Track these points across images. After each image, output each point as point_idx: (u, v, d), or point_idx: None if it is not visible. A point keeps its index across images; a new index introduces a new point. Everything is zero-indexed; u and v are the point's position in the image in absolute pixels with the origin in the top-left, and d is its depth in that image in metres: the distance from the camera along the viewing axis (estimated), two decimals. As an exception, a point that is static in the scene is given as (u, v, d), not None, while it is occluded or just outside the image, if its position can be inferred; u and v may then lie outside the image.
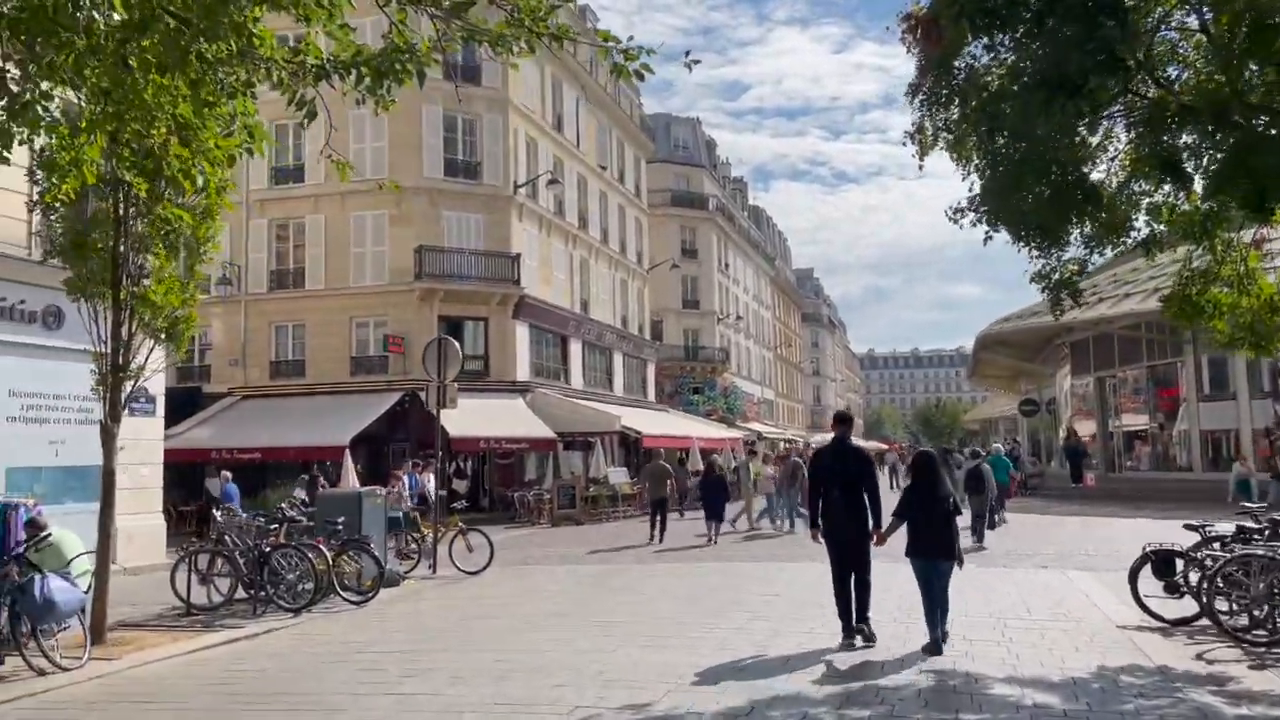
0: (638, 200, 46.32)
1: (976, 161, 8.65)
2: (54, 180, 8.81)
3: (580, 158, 38.25)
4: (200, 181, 9.36)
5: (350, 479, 25.40)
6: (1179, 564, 9.44)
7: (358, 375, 30.30)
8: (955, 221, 9.34)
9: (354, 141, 30.83)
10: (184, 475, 28.84)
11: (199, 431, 28.78)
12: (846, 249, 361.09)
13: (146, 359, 10.26)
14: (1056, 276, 9.11)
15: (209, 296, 31.49)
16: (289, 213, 31.53)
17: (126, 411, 10.53)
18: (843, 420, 9.52)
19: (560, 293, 35.58)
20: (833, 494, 8.71)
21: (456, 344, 15.41)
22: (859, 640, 8.48)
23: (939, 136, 8.86)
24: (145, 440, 17.06)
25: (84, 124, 7.23)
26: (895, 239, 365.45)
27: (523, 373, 31.90)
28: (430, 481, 22.41)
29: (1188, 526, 10.11)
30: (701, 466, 34.14)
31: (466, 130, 31.80)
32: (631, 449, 37.71)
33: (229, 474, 22.22)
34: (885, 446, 74.75)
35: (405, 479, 20.42)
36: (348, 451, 25.35)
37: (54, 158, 8.66)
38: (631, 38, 6.11)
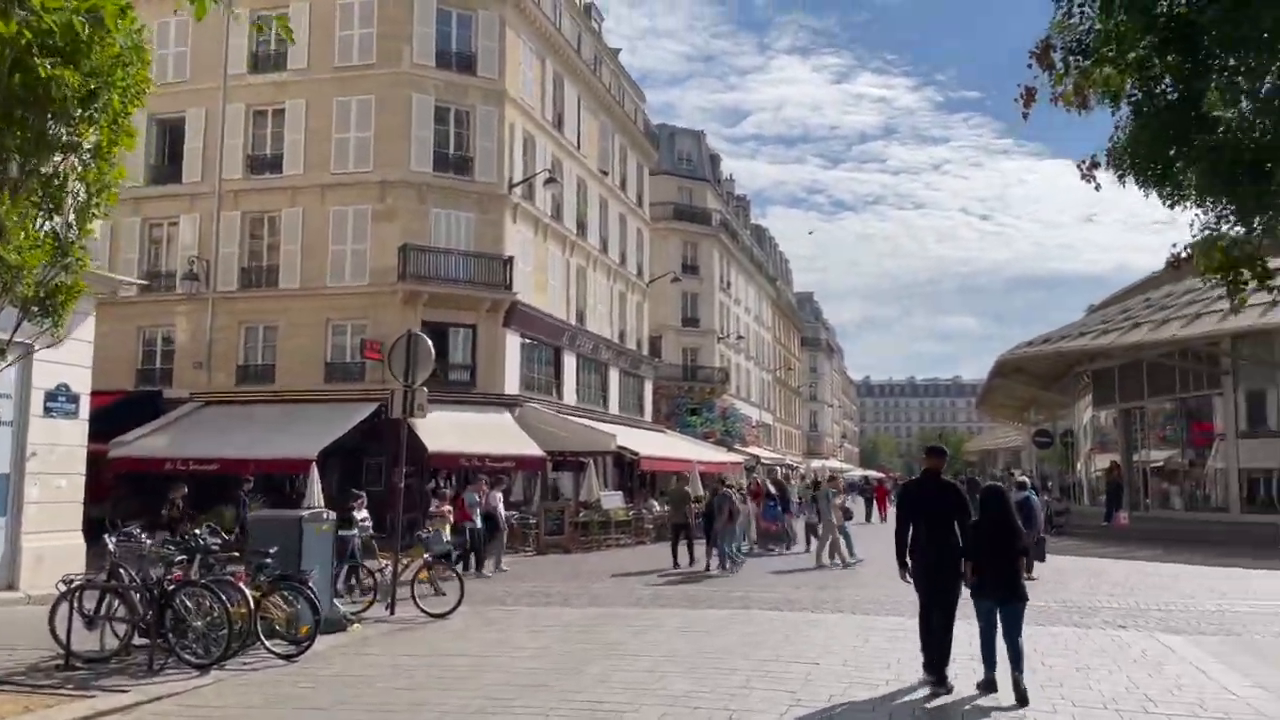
0: (640, 210, 44.13)
1: (1133, 91, 6.38)
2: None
3: (581, 160, 36.05)
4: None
5: (315, 495, 23.07)
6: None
7: (332, 383, 27.90)
8: (1087, 178, 7.07)
9: (337, 131, 28.80)
10: (140, 486, 26.53)
11: (155, 439, 26.34)
12: (843, 277, 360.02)
13: (10, 337, 7.87)
14: (1235, 251, 6.75)
15: (172, 294, 29.39)
16: (264, 205, 29.20)
17: (42, 412, 8.29)
18: (937, 453, 8.88)
19: (555, 301, 33.28)
20: (921, 531, 8.32)
21: (428, 342, 13.06)
22: (944, 684, 8.04)
23: (1075, 62, 6.55)
24: (63, 446, 14.64)
25: None
26: (892, 269, 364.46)
27: (512, 385, 29.54)
28: (500, 501, 20.69)
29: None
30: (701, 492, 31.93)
31: (459, 122, 29.58)
32: (627, 471, 35.34)
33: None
34: (879, 474, 72.46)
35: (472, 495, 19.37)
36: (315, 466, 23.05)
37: None
38: None
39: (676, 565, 19.77)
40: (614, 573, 18.68)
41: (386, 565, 12.65)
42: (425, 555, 12.73)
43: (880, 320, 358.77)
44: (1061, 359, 36.46)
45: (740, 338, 64.18)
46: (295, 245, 28.71)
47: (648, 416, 43.66)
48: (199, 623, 9.30)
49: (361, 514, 16.41)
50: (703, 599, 14.49)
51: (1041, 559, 17.39)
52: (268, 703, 8.03)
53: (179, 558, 9.90)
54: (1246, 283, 7.09)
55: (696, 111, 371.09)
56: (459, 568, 17.94)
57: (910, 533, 8.38)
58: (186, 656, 9.22)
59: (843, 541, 19.86)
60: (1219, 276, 7.13)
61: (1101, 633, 11.23)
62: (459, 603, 12.35)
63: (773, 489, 25.18)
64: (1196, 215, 6.92)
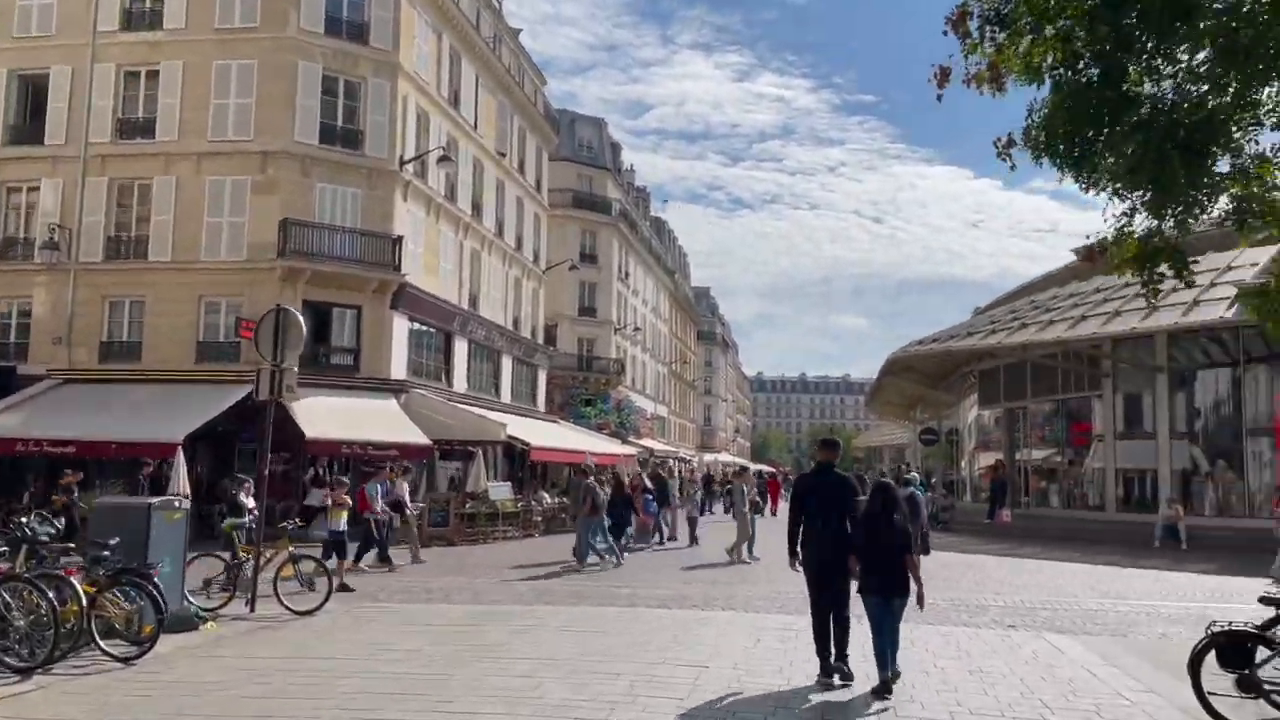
0: (538, 195, 43.21)
1: (1055, 66, 5.99)
2: None
3: (477, 140, 34.98)
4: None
5: (180, 483, 21.66)
6: (1258, 652, 6.93)
7: (204, 363, 26.33)
8: (1003, 157, 6.70)
9: (216, 96, 27.22)
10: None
11: (7, 418, 24.44)
12: (739, 273, 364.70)
13: None
14: (1151, 243, 6.47)
15: (31, 263, 27.29)
16: (134, 172, 27.33)
17: None
18: (830, 446, 8.71)
19: (447, 285, 32.19)
20: (815, 524, 8.27)
21: (300, 318, 12.09)
22: (837, 678, 8.00)
23: (990, 33, 6.15)
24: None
25: None
26: (787, 268, 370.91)
27: (399, 370, 28.41)
28: (406, 490, 20.10)
29: (1264, 600, 7.61)
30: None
31: (348, 94, 28.24)
32: (518, 462, 34.52)
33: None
34: (770, 469, 73.16)
35: (379, 486, 18.19)
36: (180, 450, 21.61)
37: None
38: None
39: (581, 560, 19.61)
40: (499, 567, 17.93)
41: (247, 559, 11.64)
42: (289, 548, 11.77)
43: (774, 318, 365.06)
44: (950, 358, 37.16)
45: (637, 329, 63.83)
46: (167, 216, 26.97)
47: (541, 406, 42.86)
48: (22, 621, 8.28)
49: (250, 501, 15.26)
50: (589, 595, 13.89)
51: (926, 553, 17.40)
52: (92, 712, 7.10)
53: (1, 549, 8.81)
54: (1164, 276, 6.85)
55: (599, 102, 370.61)
56: (364, 561, 17.25)
57: (802, 524, 8.34)
58: (8, 660, 8.19)
59: (744, 546, 19.56)
60: (1134, 270, 6.86)
61: (992, 632, 11.07)
62: (327, 599, 11.47)
63: (649, 482, 24.49)
64: (1111, 204, 6.63)
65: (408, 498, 20.22)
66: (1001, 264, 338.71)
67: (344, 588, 13.90)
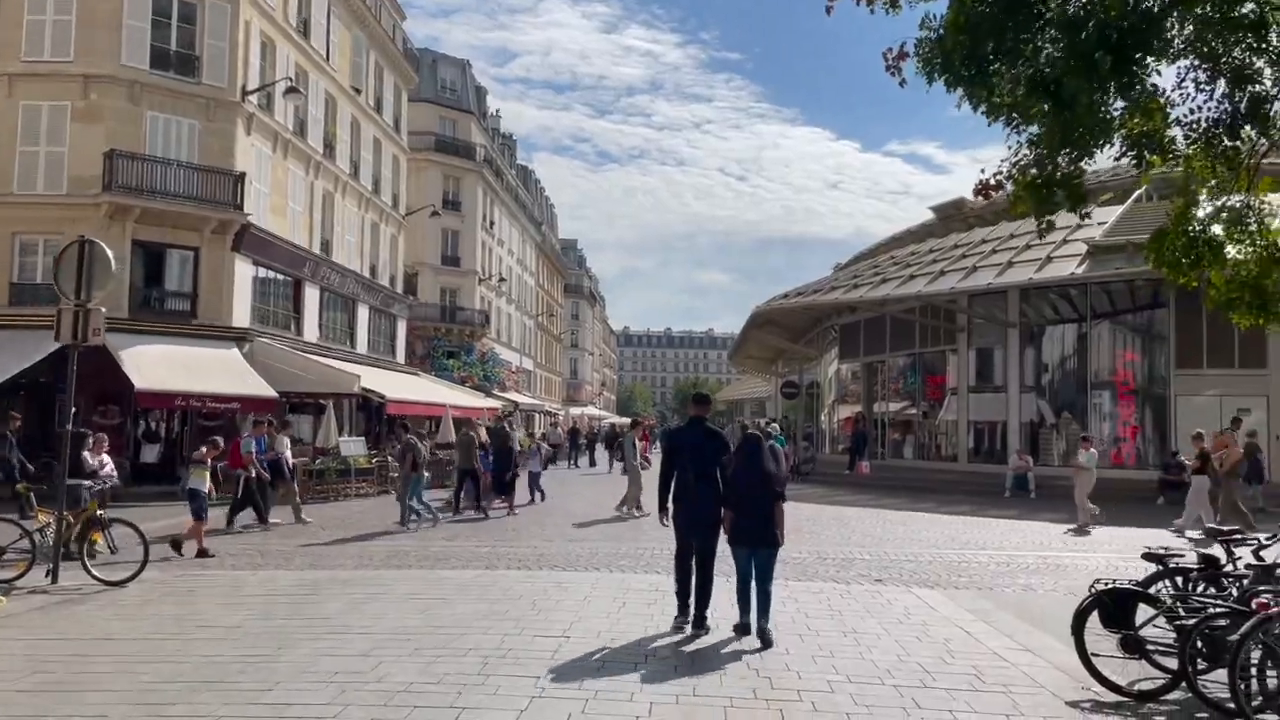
0: (396, 136, 41.10)
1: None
2: None
3: (330, 73, 32.81)
4: None
5: (-13, 438, 19.58)
6: (1140, 610, 6.68)
7: (19, 306, 23.84)
8: (892, 71, 6.08)
9: (30, 11, 24.54)
10: None
11: None
12: (606, 227, 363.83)
13: None
14: (1048, 170, 5.99)
15: None
16: (-67, 92, 24.35)
17: None
18: (702, 401, 8.94)
19: (297, 228, 30.22)
20: (686, 478, 8.24)
21: (106, 250, 10.60)
22: (690, 628, 8.11)
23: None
24: None
25: None
26: (653, 223, 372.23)
27: (241, 317, 26.50)
28: (287, 446, 18.55)
29: (1146, 557, 7.38)
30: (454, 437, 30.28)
31: (184, 16, 25.82)
32: (375, 416, 33.02)
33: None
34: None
35: (252, 441, 16.94)
36: (-13, 402, 19.51)
37: None
38: None
39: (459, 510, 19.13)
40: (346, 526, 16.80)
41: (46, 523, 10.24)
42: (99, 510, 10.40)
43: (641, 272, 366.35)
44: (813, 311, 37.50)
45: (503, 280, 62.30)
46: (-28, 143, 24.16)
47: (400, 358, 41.19)
48: None
49: (100, 458, 13.57)
50: (444, 557, 13.01)
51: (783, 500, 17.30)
52: None
53: None
54: (1059, 205, 6.41)
55: (464, 48, 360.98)
56: (238, 522, 16.14)
57: (674, 478, 8.32)
58: None
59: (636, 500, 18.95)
60: (1029, 204, 6.40)
61: (861, 587, 10.78)
62: (141, 567, 10.21)
63: (484, 437, 21.95)
64: (1012, 136, 6.10)
65: (289, 454, 18.64)
66: (858, 223, 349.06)
67: (202, 553, 12.81)
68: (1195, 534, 16.22)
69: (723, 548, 8.20)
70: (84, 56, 24.24)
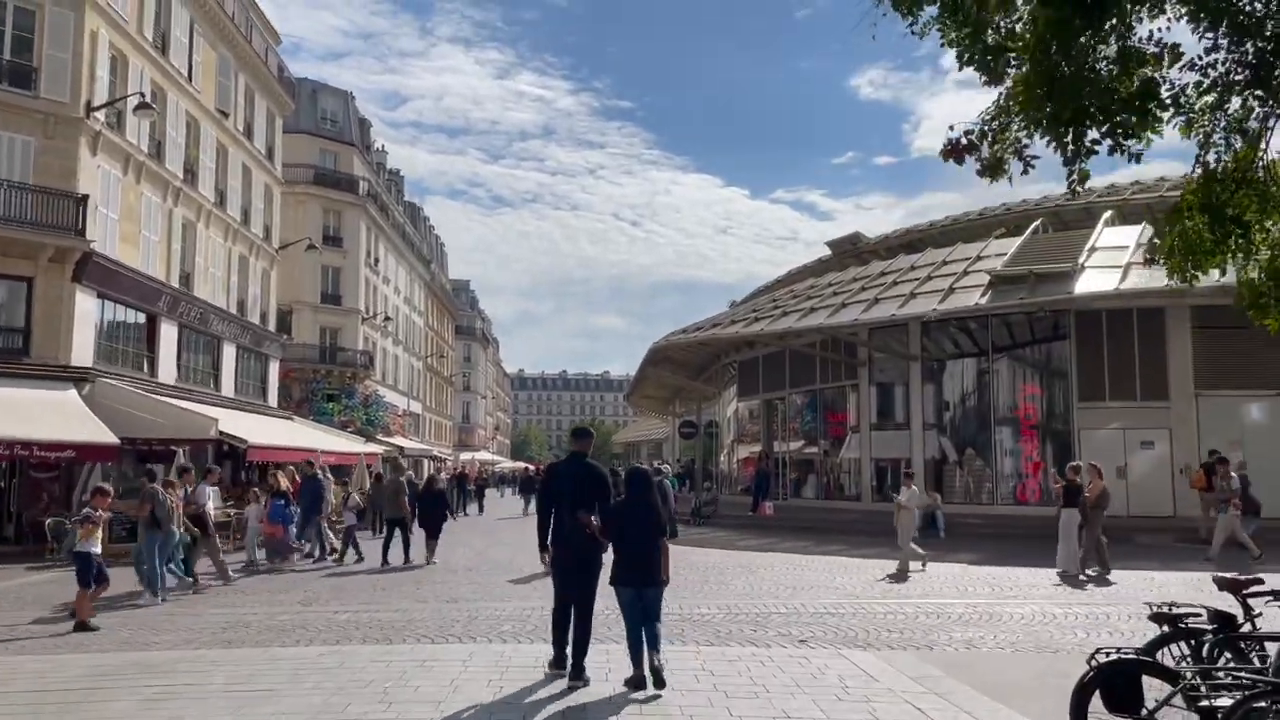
0: (269, 164, 38.59)
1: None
2: None
3: (192, 94, 30.35)
4: None
5: None
6: (1152, 684, 5.25)
7: None
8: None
9: None
10: None
11: None
12: (501, 270, 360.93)
13: None
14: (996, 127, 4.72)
15: None
16: None
17: None
18: (583, 435, 8.53)
19: (152, 259, 27.56)
20: (564, 514, 7.87)
21: None
22: (567, 680, 7.51)
23: None
24: None
25: None
26: (547, 266, 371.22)
27: (83, 356, 23.73)
28: (210, 497, 16.27)
29: (1154, 618, 5.99)
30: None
31: (19, 23, 23.29)
32: (240, 463, 30.23)
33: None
34: (530, 466, 70.94)
35: (206, 489, 15.92)
36: None
37: None
38: None
39: (386, 563, 17.64)
40: (184, 591, 14.48)
41: None
42: None
43: (536, 316, 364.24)
44: (711, 347, 36.27)
45: (388, 319, 59.63)
46: None
47: (273, 401, 38.36)
48: None
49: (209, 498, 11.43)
50: (292, 628, 10.95)
51: (674, 536, 16.02)
52: None
53: None
54: (1033, 160, 5.07)
55: (354, 90, 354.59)
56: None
57: (552, 515, 7.97)
58: None
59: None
60: (1006, 158, 5.08)
61: (784, 651, 9.22)
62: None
63: (284, 484, 19.13)
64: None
65: (211, 505, 16.15)
66: (748, 268, 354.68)
67: (82, 626, 10.85)
68: (1090, 571, 15.32)
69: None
70: (-104, 62, 21.49)
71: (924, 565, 16.57)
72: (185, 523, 14.43)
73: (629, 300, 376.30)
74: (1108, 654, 5.32)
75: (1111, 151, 5.10)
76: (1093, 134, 4.99)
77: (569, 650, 7.69)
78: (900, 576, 15.68)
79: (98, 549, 11.47)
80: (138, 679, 7.88)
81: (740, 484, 39.16)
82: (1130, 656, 5.32)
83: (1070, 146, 4.97)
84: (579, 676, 7.50)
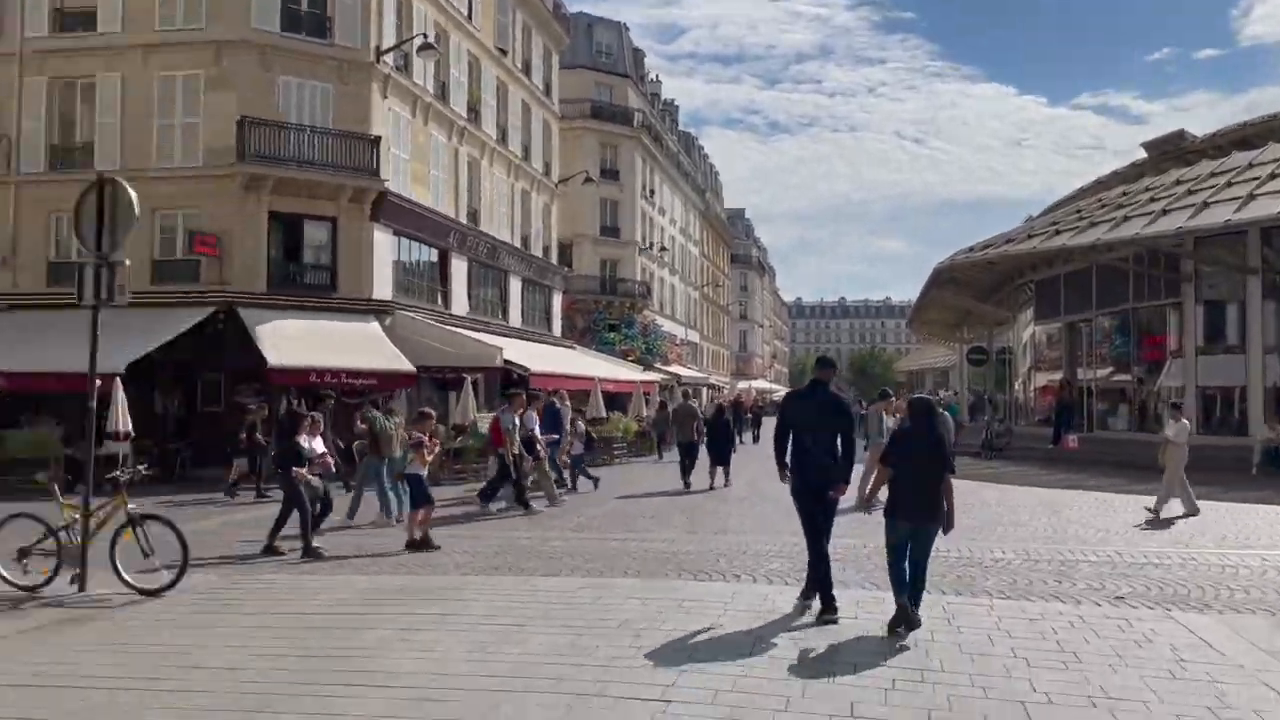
0: (547, 100, 39.46)
1: None
2: None
3: (473, 34, 31.30)
4: None
5: (120, 419, 19.01)
6: None
7: (161, 283, 23.37)
8: None
9: (164, -21, 23.79)
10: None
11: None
12: (776, 199, 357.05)
13: None
14: None
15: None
16: (76, 69, 24.20)
17: None
18: (825, 364, 8.23)
19: (442, 196, 28.91)
20: (804, 442, 7.70)
21: (130, 190, 8.87)
22: (816, 611, 7.28)
23: None
24: None
25: None
26: (825, 193, 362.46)
27: (382, 290, 25.33)
28: (535, 423, 16.01)
29: None
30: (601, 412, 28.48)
31: (314, -27, 24.74)
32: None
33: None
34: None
35: (512, 417, 15.36)
36: (119, 382, 18.94)
37: None
38: None
39: (688, 487, 18.40)
40: (470, 512, 14.97)
41: (73, 519, 8.65)
42: (129, 505, 8.74)
43: (813, 243, 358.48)
44: (1005, 266, 33.29)
45: (664, 250, 60.24)
46: (114, 119, 23.88)
47: (557, 331, 39.75)
48: None
49: (318, 444, 11.86)
50: (560, 554, 10.85)
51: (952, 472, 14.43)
52: None
53: None
54: None
55: (632, 26, 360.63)
56: (494, 505, 15.14)
57: (790, 440, 7.92)
58: None
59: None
60: None
61: (1097, 610, 7.83)
62: (180, 574, 8.45)
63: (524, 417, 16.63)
64: None
65: (537, 430, 16.08)
66: (1045, 181, 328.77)
67: (425, 542, 11.28)
68: None
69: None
70: (215, 23, 23.49)
71: (1194, 512, 14.08)
72: (520, 449, 14.93)
73: (911, 222, 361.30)
74: None
75: None
76: None
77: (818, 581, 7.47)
78: (1157, 521, 13.51)
79: (425, 471, 11.69)
80: (401, 605, 7.88)
81: (1037, 414, 36.08)
82: None
83: None
84: (829, 608, 7.28)
